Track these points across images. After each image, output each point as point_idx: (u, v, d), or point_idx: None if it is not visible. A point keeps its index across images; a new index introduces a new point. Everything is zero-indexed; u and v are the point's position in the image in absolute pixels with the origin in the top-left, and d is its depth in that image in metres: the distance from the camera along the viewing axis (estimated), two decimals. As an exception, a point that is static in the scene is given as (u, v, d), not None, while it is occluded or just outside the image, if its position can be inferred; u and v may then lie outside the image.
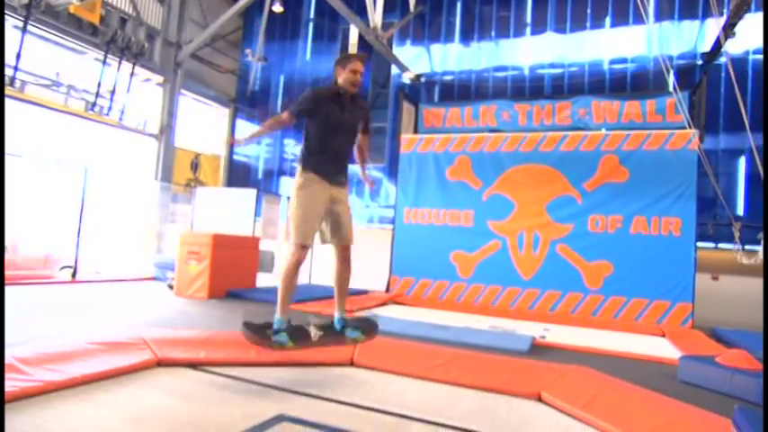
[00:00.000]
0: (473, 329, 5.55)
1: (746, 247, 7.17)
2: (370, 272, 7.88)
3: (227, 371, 3.37)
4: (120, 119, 10.15)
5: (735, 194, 9.12)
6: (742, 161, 9.15)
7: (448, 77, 11.62)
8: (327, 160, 3.49)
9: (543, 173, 8.20)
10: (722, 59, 8.73)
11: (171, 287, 7.45)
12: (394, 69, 11.90)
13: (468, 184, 8.68)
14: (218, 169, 13.43)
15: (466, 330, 5.41)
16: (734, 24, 7.56)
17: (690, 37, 9.77)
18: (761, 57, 8.93)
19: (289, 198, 3.54)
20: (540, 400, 3.19)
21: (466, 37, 11.55)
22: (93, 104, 9.63)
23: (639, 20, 9.76)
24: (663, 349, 5.40)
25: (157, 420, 2.48)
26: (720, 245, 8.72)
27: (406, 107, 9.55)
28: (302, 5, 13.24)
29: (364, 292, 8.28)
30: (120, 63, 9.91)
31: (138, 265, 9.90)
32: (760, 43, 8.90)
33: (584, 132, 8.21)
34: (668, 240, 7.38)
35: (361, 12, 9.58)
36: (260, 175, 13.37)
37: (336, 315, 3.58)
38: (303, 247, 3.36)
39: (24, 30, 8.17)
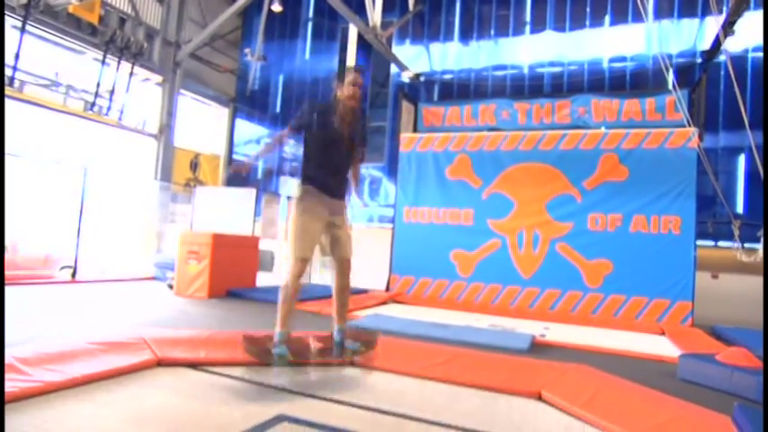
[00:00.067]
0: (473, 328, 5.55)
1: (746, 245, 7.15)
2: (369, 271, 7.86)
3: (227, 371, 3.37)
4: (120, 119, 10.15)
5: (734, 192, 9.13)
6: (741, 159, 9.16)
7: (447, 76, 11.61)
8: (326, 174, 3.50)
9: (543, 171, 8.20)
10: (722, 57, 8.71)
11: (171, 287, 7.44)
12: (393, 68, 11.90)
13: (468, 182, 8.67)
14: (217, 169, 13.43)
15: (466, 329, 5.41)
16: (733, 22, 7.54)
17: (689, 35, 9.77)
18: (760, 55, 8.92)
19: (287, 219, 3.57)
20: (540, 398, 3.19)
21: (465, 36, 11.55)
22: (93, 104, 9.62)
23: (639, 18, 9.76)
24: (663, 347, 5.40)
25: (157, 420, 2.47)
26: (720, 243, 8.73)
27: (406, 106, 9.54)
28: (301, 5, 13.23)
29: (364, 291, 8.28)
30: (119, 63, 9.90)
31: (137, 265, 9.89)
32: (759, 41, 8.89)
33: (584, 131, 8.20)
34: (668, 239, 7.37)
35: (361, 11, 9.58)
36: (259, 175, 13.38)
37: (336, 326, 3.59)
38: (302, 261, 3.37)
39: (23, 30, 8.16)
